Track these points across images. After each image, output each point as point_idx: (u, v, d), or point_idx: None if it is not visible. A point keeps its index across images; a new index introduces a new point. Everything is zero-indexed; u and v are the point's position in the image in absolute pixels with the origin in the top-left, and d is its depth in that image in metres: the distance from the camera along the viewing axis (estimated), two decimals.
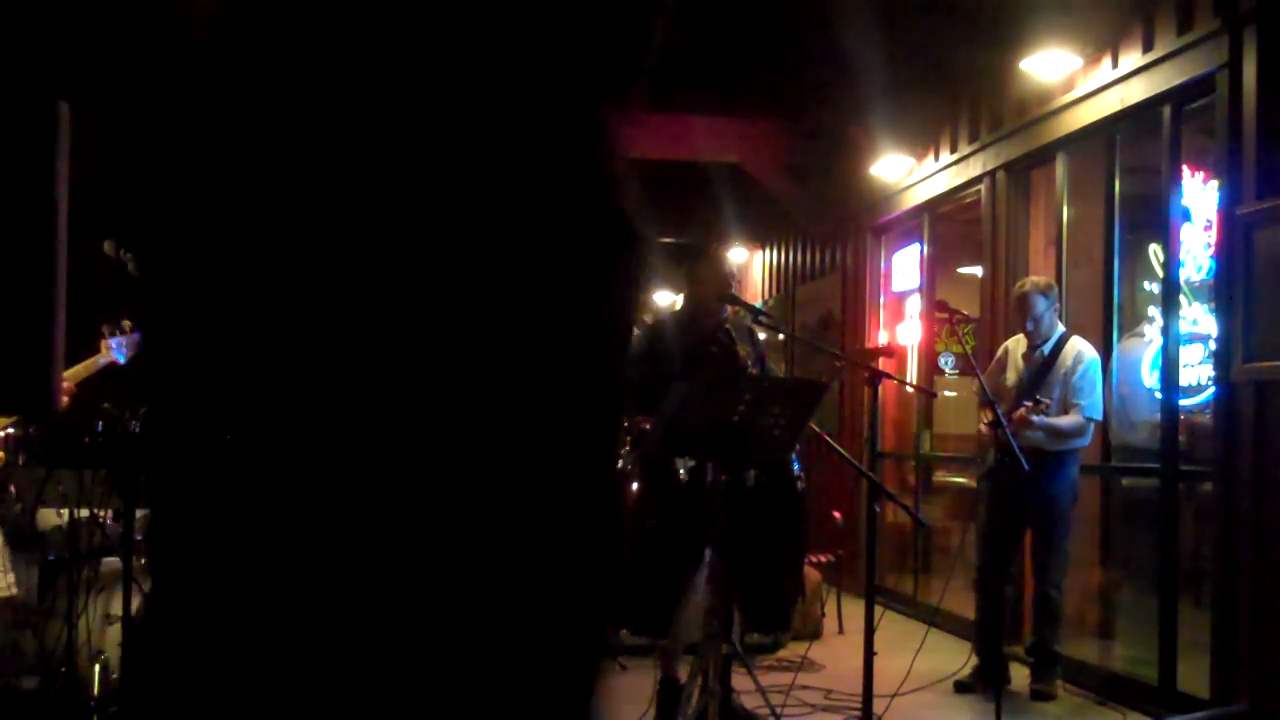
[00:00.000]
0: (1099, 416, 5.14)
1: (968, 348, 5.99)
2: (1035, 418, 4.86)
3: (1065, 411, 5.04)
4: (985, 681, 4.94)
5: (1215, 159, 4.90)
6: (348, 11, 0.76)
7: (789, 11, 5.84)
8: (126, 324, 4.49)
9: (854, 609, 6.18)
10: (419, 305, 0.70)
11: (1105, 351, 5.50)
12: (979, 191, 6.77)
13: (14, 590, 4.11)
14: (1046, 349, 5.17)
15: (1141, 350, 5.95)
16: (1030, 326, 5.16)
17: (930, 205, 7.49)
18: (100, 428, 3.89)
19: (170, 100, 0.80)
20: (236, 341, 0.71)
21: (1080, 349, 5.15)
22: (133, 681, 0.84)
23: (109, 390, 4.55)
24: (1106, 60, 5.47)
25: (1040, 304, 5.14)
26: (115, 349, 4.43)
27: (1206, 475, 4.97)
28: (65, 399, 3.80)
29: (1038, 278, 5.44)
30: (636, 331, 0.79)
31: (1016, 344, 5.39)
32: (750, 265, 11.38)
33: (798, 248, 10.09)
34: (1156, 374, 5.56)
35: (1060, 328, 5.23)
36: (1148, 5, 5.14)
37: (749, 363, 4.40)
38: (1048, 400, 4.95)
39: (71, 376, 4.30)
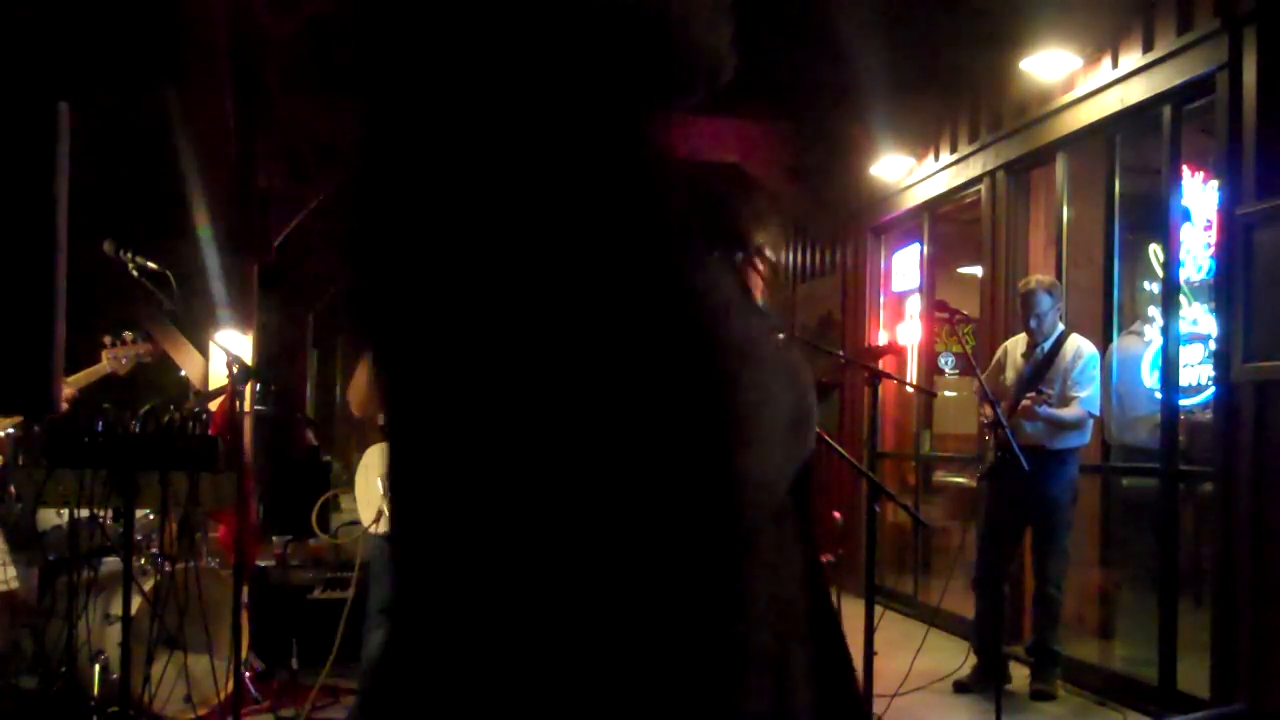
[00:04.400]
0: (1096, 411, 5.15)
1: (968, 348, 5.98)
2: (1039, 408, 4.87)
3: (1065, 405, 5.05)
4: (985, 681, 4.94)
5: (1215, 159, 4.90)
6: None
7: (790, 11, 5.83)
8: (128, 335, 4.50)
9: (854, 609, 6.13)
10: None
11: (1105, 351, 5.51)
12: (979, 191, 6.77)
13: (14, 584, 4.11)
14: (1047, 345, 5.18)
15: (1141, 349, 5.96)
16: (1034, 324, 5.17)
17: (930, 205, 7.49)
18: (100, 428, 3.89)
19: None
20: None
21: (1080, 345, 5.17)
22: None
23: (110, 391, 4.55)
24: (1106, 60, 5.47)
25: (1045, 302, 5.15)
26: (115, 360, 4.44)
27: (1206, 475, 4.97)
28: (65, 405, 3.80)
29: (1043, 276, 5.44)
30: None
31: (1015, 344, 5.40)
32: None
33: (798, 248, 10.08)
34: (1156, 374, 5.56)
35: (1060, 326, 5.24)
36: (1148, 5, 5.14)
37: None
38: (1051, 391, 4.97)
39: (73, 383, 4.31)
